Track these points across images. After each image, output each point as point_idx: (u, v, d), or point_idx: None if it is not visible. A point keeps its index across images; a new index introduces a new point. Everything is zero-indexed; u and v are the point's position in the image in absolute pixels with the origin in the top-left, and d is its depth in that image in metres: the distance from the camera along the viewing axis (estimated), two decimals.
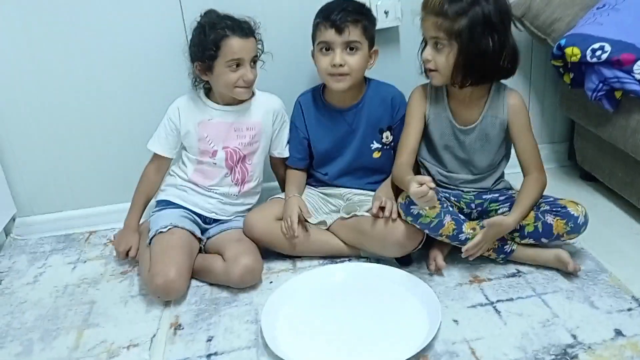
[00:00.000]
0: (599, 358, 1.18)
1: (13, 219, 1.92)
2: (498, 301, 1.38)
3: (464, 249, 1.44)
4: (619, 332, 1.25)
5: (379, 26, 1.75)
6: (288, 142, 1.73)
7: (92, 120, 1.84)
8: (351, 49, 1.56)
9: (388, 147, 1.68)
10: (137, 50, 1.78)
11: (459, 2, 1.39)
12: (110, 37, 1.76)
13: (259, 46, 1.60)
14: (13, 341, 1.40)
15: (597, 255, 1.52)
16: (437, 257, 1.50)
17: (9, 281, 1.66)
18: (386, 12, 1.76)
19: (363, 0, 1.71)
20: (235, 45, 1.53)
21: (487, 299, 1.39)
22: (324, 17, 1.55)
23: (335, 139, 1.68)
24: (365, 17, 1.57)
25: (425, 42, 1.50)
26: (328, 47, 1.56)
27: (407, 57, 1.80)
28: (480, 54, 1.41)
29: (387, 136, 1.67)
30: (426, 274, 1.50)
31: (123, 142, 1.85)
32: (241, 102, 1.65)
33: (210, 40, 1.52)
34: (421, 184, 1.34)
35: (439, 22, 1.41)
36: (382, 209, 1.50)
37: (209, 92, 1.67)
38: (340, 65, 1.54)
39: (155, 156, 1.70)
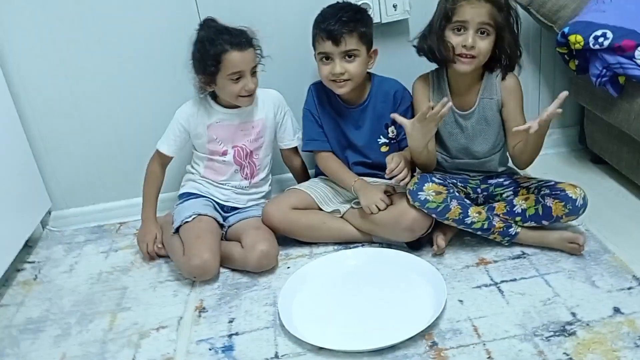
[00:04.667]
0: (597, 334, 1.24)
1: (49, 213, 2.04)
2: (502, 282, 1.44)
3: None
4: (617, 310, 1.30)
5: (387, 19, 1.81)
6: (306, 131, 1.76)
7: (118, 120, 1.95)
8: (349, 56, 1.60)
9: (395, 141, 1.74)
10: (162, 53, 1.86)
11: None
12: (137, 43, 1.85)
13: (258, 52, 1.65)
14: (52, 325, 1.52)
15: (603, 237, 1.55)
16: (438, 237, 1.57)
17: (47, 270, 1.79)
18: (395, 6, 1.80)
19: None
20: (234, 59, 1.59)
21: (491, 279, 1.46)
22: (321, 29, 1.59)
23: (343, 133, 1.74)
24: (360, 23, 1.59)
25: (444, 26, 1.49)
26: (327, 57, 1.61)
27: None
28: (514, 40, 1.51)
29: (392, 131, 1.72)
30: (435, 258, 1.57)
31: (148, 138, 1.93)
32: None
33: (210, 55, 1.58)
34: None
35: (490, 9, 1.46)
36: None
37: (215, 95, 1.73)
38: (341, 73, 1.60)
39: (161, 155, 1.77)
